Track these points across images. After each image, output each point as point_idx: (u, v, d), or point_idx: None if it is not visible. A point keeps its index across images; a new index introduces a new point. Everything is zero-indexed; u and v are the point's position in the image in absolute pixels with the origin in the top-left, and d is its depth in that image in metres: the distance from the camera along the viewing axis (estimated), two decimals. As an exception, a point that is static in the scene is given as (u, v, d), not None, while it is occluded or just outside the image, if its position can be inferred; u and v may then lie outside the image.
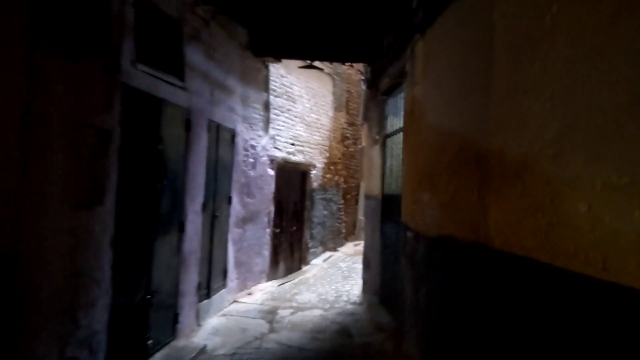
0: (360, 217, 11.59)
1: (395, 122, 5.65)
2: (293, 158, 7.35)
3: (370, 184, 6.25)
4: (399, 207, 4.90)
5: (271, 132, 6.60)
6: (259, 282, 6.39)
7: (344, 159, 9.99)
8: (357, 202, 11.50)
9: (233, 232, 5.56)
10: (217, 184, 4.96)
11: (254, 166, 6.10)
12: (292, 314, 5.19)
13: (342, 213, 9.99)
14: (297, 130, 7.48)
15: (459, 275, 2.80)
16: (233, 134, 5.44)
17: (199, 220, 4.45)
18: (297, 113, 7.45)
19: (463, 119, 2.91)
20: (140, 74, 3.19)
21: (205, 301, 4.70)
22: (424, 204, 3.62)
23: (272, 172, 6.63)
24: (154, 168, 3.49)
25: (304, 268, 7.84)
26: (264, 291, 6.20)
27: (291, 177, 7.48)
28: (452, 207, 2.97)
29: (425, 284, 3.49)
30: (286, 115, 7.09)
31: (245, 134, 5.85)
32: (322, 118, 8.54)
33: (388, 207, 5.62)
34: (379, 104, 5.97)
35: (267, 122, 6.45)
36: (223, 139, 5.09)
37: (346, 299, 6.07)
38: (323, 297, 6.11)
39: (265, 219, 6.51)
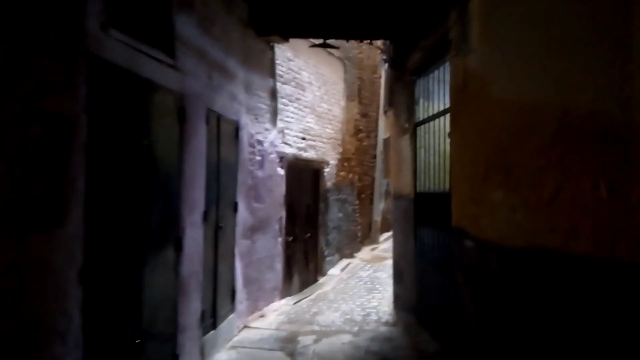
0: (376, 218, 10.84)
1: (429, 106, 4.90)
2: (304, 154, 6.59)
3: (398, 182, 5.48)
4: (440, 208, 4.16)
5: (279, 124, 5.84)
6: (272, 301, 5.63)
7: (358, 155, 9.22)
8: (372, 201, 10.74)
9: (240, 245, 4.81)
10: (220, 188, 4.20)
11: (261, 165, 5.33)
12: (315, 341, 4.43)
13: (358, 215, 9.23)
14: (307, 122, 6.72)
15: (578, 306, 2.03)
16: (236, 127, 4.68)
17: (199, 233, 3.69)
18: (307, 103, 6.69)
19: (566, 85, 2.15)
20: (113, 43, 2.42)
21: (211, 332, 3.94)
22: (495, 205, 2.85)
23: (282, 172, 5.86)
24: (139, 170, 2.72)
25: (321, 280, 7.08)
26: (278, 312, 5.44)
27: (303, 177, 6.72)
28: (554, 209, 2.20)
29: (505, 313, 2.71)
30: (295, 105, 6.32)
31: (251, 127, 5.08)
32: (334, 108, 7.77)
33: (423, 208, 4.87)
34: (407, 85, 5.20)
35: (274, 113, 5.68)
36: (225, 133, 4.33)
37: (376, 317, 5.31)
38: (348, 316, 5.35)
39: (276, 227, 5.75)
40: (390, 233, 12.85)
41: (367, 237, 10.31)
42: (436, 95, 4.69)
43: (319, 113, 7.15)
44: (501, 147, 2.80)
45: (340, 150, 8.09)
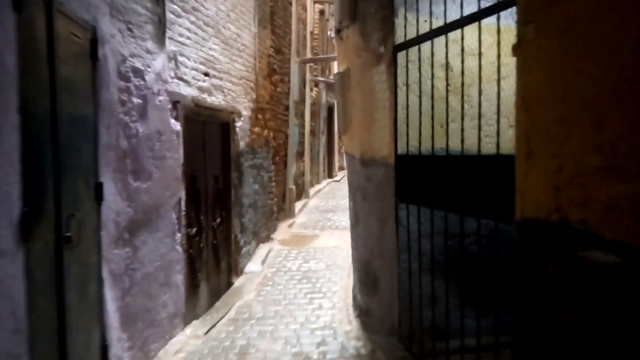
0: (291, 185, 9.19)
1: (421, 18, 3.29)
2: (209, 100, 4.56)
3: (365, 140, 3.83)
4: (467, 180, 2.70)
5: (170, 46, 3.74)
6: (171, 336, 3.73)
7: (272, 104, 7.35)
8: (285, 165, 9.03)
9: (112, 260, 2.82)
10: (61, 160, 2.16)
11: (142, 114, 3.27)
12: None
13: (274, 184, 7.47)
14: (211, 49, 4.65)
15: None
16: (93, 38, 2.57)
17: (12, 267, 1.66)
18: (208, 19, 4.59)
19: None
20: None
21: None
22: None
23: (177, 126, 3.82)
24: None
25: (238, 282, 5.28)
26: (182, 354, 3.58)
27: (208, 134, 4.72)
28: None
29: None
30: (192, 18, 4.21)
31: (122, 45, 2.98)
32: (244, 34, 5.74)
33: (415, 177, 3.34)
34: (385, -15, 3.49)
35: (160, 25, 3.56)
36: (68, 45, 2.23)
37: (337, 346, 3.74)
38: (296, 349, 3.70)
39: (173, 216, 3.77)
40: (303, 202, 11.34)
41: (282, 209, 8.64)
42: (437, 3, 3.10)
43: (226, 38, 5.09)
44: None
45: (254, 96, 6.14)
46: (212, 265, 4.76)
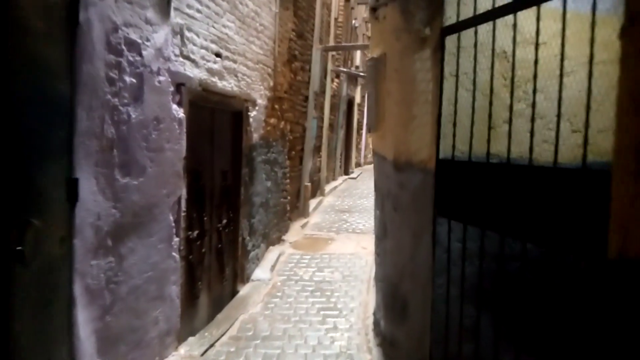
0: (306, 182, 8.66)
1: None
2: (220, 84, 4.04)
3: (399, 139, 3.27)
4: (543, 199, 2.14)
5: (176, 19, 3.21)
6: (162, 358, 3.24)
7: (291, 93, 6.80)
8: (301, 160, 8.50)
9: (88, 273, 2.33)
10: (13, 151, 1.64)
11: (137, 96, 2.75)
12: None
13: (288, 181, 6.95)
14: (225, 26, 4.12)
15: None
16: (68, -7, 2.06)
17: None
18: (224, -9, 4.06)
19: None
20: None
21: None
22: None
23: (179, 112, 3.30)
24: None
25: (243, 290, 4.78)
26: (173, 381, 3.09)
27: (217, 124, 4.20)
28: None
29: None
30: (205, -12, 3.68)
31: (113, 10, 2.47)
32: (263, 13, 5.20)
33: (458, 189, 2.79)
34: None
35: (165, -9, 3.04)
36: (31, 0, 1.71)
37: (356, 380, 3.21)
38: (308, 382, 3.18)
39: (170, 218, 3.26)
40: (317, 200, 10.77)
41: (295, 208, 8.11)
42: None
43: (243, 15, 4.55)
44: None
45: (271, 84, 5.60)
46: (215, 272, 4.26)
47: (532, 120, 2.47)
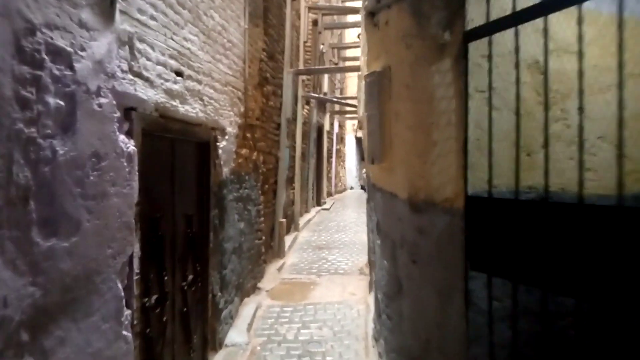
0: (281, 218, 7.92)
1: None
2: (182, 109, 3.33)
3: (415, 171, 2.64)
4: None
5: (124, 25, 2.52)
6: None
7: (263, 120, 6.14)
8: (275, 194, 7.78)
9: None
10: None
11: (65, 124, 2.02)
12: None
13: (262, 218, 6.21)
14: (186, 39, 3.44)
15: None
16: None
17: None
18: (184, -2, 3.40)
19: None
20: None
21: None
22: None
23: (129, 145, 2.57)
24: None
25: (214, 361, 3.96)
26: None
27: (179, 157, 3.47)
28: None
29: None
30: (161, -8, 3.01)
31: (26, 4, 1.74)
32: (231, 28, 4.56)
33: (497, 234, 2.20)
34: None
35: (106, -13, 2.35)
36: None
37: None
38: None
39: (118, 285, 2.48)
40: (292, 236, 9.96)
41: (269, 248, 7.34)
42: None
43: (208, 29, 3.90)
44: None
45: (242, 109, 4.92)
46: (180, 342, 3.45)
47: (581, 146, 1.93)
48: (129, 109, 2.59)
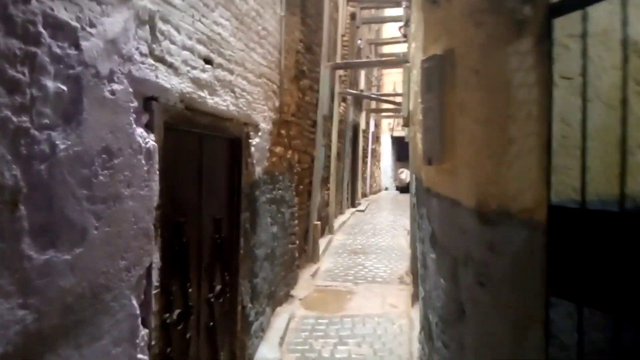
0: (316, 221, 7.56)
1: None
2: (211, 101, 3.00)
3: (484, 174, 2.20)
4: None
5: (144, 2, 2.19)
6: None
7: (299, 116, 5.79)
8: (310, 195, 7.43)
9: None
10: None
11: (69, 113, 1.70)
12: None
13: (296, 221, 5.86)
14: (217, 23, 3.11)
15: None
16: None
17: None
18: (216, -24, 3.06)
19: None
20: None
21: None
22: None
23: (149, 140, 2.24)
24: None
25: (243, 380, 3.62)
26: None
27: (206, 155, 3.14)
28: None
29: None
30: (188, -34, 2.68)
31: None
32: (267, 15, 4.22)
33: (590, 254, 1.73)
34: None
35: (123, -46, 2.02)
36: None
37: None
38: None
39: (133, 302, 2.16)
40: (327, 238, 9.57)
41: (302, 252, 6.99)
42: None
43: (241, 13, 3.56)
44: None
45: (277, 104, 4.58)
46: (205, 361, 3.12)
47: None
48: (148, 99, 2.27)
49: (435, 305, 2.82)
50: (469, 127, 2.27)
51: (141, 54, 2.20)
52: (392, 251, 8.74)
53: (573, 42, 2.02)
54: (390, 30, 18.22)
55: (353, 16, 12.37)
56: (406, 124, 5.72)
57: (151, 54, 2.28)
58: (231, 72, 3.36)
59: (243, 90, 3.61)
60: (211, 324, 3.20)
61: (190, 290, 2.86)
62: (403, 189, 21.63)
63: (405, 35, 8.98)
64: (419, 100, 3.08)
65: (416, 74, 3.74)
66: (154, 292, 2.35)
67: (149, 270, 2.30)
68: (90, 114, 1.81)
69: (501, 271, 2.16)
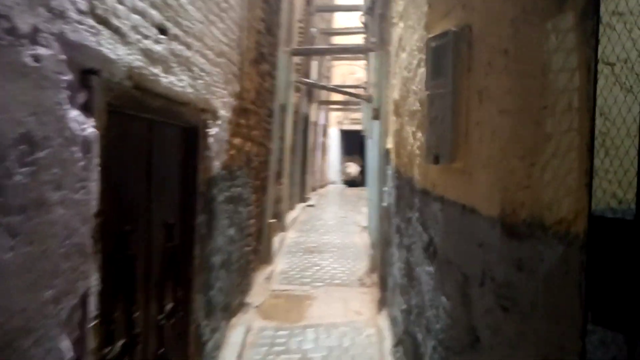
0: (270, 219, 7.08)
1: None
2: (164, 80, 2.46)
3: (509, 177, 1.85)
4: None
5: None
6: None
7: (258, 104, 5.28)
8: (264, 190, 6.93)
9: None
10: None
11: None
12: None
13: (252, 220, 5.37)
14: (174, -14, 2.57)
15: None
16: None
17: None
18: None
19: None
20: None
21: None
22: None
23: (85, 127, 1.70)
24: None
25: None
26: None
27: (157, 146, 2.60)
28: None
29: None
30: None
31: None
32: (228, -13, 3.68)
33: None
34: None
35: None
36: None
37: None
38: None
39: (62, 344, 1.63)
40: (279, 236, 9.03)
41: (257, 252, 6.50)
42: None
43: (201, -21, 3.02)
44: None
45: (237, 88, 4.07)
46: (152, 396, 2.60)
47: None
48: (87, 72, 1.73)
49: (433, 327, 2.46)
50: (491, 119, 1.90)
51: (78, 11, 1.65)
52: (347, 249, 8.42)
53: (618, 21, 1.70)
54: (342, 21, 17.88)
55: (308, 2, 11.90)
56: (376, 116, 5.37)
57: (92, 12, 1.74)
58: (189, 46, 2.82)
59: (202, 70, 3.09)
60: (161, 350, 2.68)
61: (136, 314, 2.33)
62: (350, 182, 21.81)
63: (365, 25, 8.64)
64: (414, 87, 2.71)
65: (405, 57, 3.35)
66: (91, 324, 1.83)
67: (84, 297, 1.77)
68: (2, 87, 1.27)
69: (530, 294, 1.82)
